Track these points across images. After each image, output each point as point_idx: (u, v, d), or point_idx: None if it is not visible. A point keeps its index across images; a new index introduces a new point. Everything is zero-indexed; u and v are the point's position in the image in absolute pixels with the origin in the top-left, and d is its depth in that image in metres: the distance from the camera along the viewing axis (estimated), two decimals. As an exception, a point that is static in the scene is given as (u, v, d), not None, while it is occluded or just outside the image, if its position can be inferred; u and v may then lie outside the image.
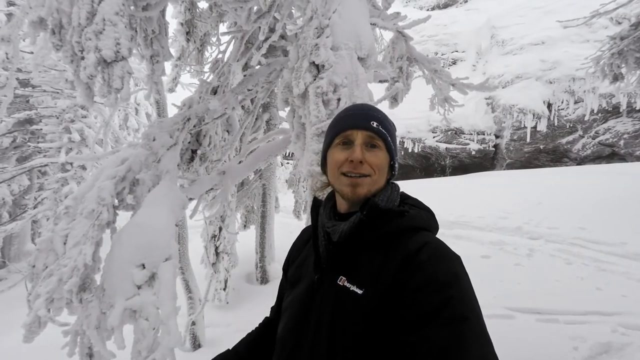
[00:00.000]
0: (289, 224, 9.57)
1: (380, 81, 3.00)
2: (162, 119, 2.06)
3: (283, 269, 0.94)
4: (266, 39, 2.09)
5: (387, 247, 0.67)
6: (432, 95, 3.64)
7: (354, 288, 0.66)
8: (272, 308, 0.99)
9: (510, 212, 7.29)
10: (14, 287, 8.09)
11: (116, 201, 1.83)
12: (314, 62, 1.27)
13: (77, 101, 8.03)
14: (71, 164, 8.26)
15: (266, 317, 0.99)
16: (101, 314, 1.63)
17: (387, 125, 0.77)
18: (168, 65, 7.11)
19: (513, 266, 5.12)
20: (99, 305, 1.61)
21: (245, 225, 7.72)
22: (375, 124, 0.75)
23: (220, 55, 4.65)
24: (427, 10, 19.30)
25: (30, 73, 7.75)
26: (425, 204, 0.79)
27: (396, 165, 0.80)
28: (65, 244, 1.78)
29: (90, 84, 1.53)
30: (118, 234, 1.65)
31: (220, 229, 6.33)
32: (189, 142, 2.71)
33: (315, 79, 1.26)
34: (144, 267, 1.56)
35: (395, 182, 0.82)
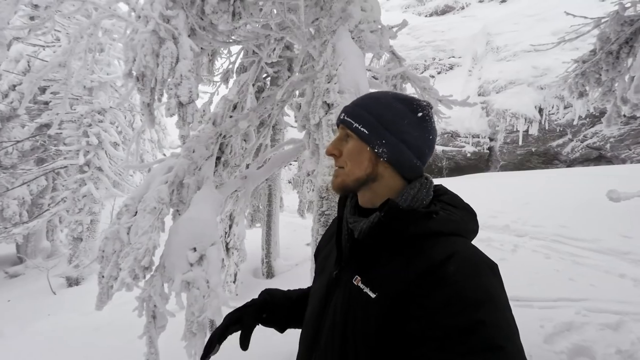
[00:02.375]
0: (292, 223, 10.08)
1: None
2: (199, 134, 2.57)
3: (314, 256, 0.95)
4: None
5: (408, 252, 0.61)
6: (422, 109, 4.16)
7: (367, 290, 0.63)
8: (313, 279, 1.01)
9: (500, 211, 7.79)
10: (34, 281, 8.59)
11: (170, 200, 2.34)
12: (325, 102, 1.78)
13: (94, 107, 8.53)
14: (88, 165, 8.76)
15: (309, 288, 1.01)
16: (162, 285, 2.15)
17: (358, 113, 0.71)
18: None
19: (498, 260, 5.49)
20: (161, 279, 2.13)
21: (251, 223, 8.19)
22: (342, 116, 0.74)
23: (230, 66, 5.17)
24: (426, 16, 19.86)
25: (50, 81, 8.24)
26: (465, 202, 0.71)
27: (380, 150, 0.69)
28: (128, 233, 2.29)
29: (152, 111, 2.05)
30: (175, 225, 2.17)
31: (231, 226, 6.85)
32: (214, 151, 3.21)
33: (326, 114, 1.77)
34: (195, 250, 2.08)
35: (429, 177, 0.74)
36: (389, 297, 0.59)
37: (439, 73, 16.50)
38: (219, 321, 2.04)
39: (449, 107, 3.80)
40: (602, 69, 3.53)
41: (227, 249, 6.68)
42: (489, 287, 0.54)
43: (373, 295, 0.61)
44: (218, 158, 3.29)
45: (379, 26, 2.09)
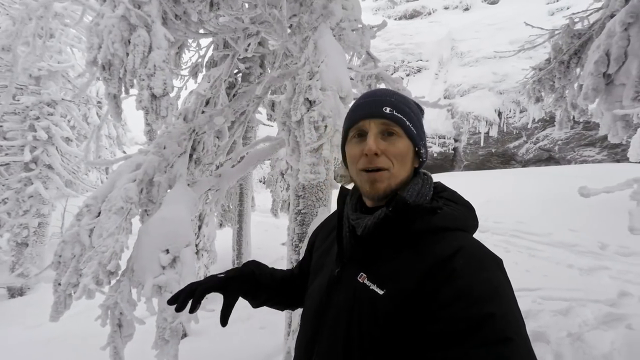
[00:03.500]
0: (264, 222, 9.93)
1: (354, 98, 3.55)
2: (169, 130, 2.43)
3: (307, 249, 0.93)
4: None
5: (415, 247, 0.61)
6: (396, 109, 4.26)
7: (374, 287, 0.61)
8: (296, 266, 0.98)
9: (464, 209, 8.24)
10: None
11: (138, 199, 2.18)
12: (307, 98, 1.75)
13: (43, 98, 7.77)
14: (35, 162, 7.98)
15: (292, 271, 0.97)
16: (130, 290, 2.01)
17: (403, 109, 0.68)
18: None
19: None
20: (129, 284, 1.98)
21: (221, 224, 7.95)
22: (387, 110, 0.67)
23: (199, 60, 4.96)
24: (395, 19, 20.45)
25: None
26: (464, 198, 0.72)
27: (422, 151, 0.71)
28: (90, 236, 2.11)
29: (119, 104, 1.90)
30: (145, 225, 2.03)
31: (200, 227, 6.59)
32: (185, 148, 3.06)
33: (308, 111, 1.75)
34: (168, 252, 1.96)
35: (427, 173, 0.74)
36: (398, 293, 0.58)
37: (407, 75, 17.08)
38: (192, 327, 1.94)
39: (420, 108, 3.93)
40: (555, 77, 3.85)
41: (197, 251, 6.43)
42: (496, 280, 0.55)
43: (381, 292, 0.60)
44: (190, 155, 3.14)
45: (360, 25, 2.10)
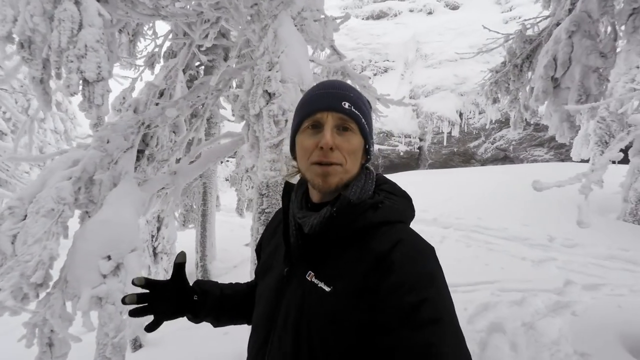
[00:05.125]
0: (229, 222, 9.58)
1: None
2: (114, 122, 2.19)
3: (256, 251, 0.91)
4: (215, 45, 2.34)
5: (359, 243, 0.63)
6: (362, 107, 4.23)
7: (321, 285, 0.63)
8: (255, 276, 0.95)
9: (430, 205, 8.52)
10: None
11: (73, 200, 1.93)
12: (266, 90, 1.63)
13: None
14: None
15: (253, 281, 0.95)
16: (64, 304, 1.77)
17: (360, 105, 0.69)
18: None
19: None
20: (62, 296, 1.75)
21: (184, 225, 7.54)
22: (347, 105, 0.67)
23: (157, 49, 4.61)
24: (362, 19, 20.72)
25: None
26: (403, 190, 0.74)
27: (371, 148, 0.73)
28: (13, 243, 1.83)
29: (48, 90, 1.66)
30: (81, 229, 1.80)
31: (159, 228, 6.17)
32: (136, 143, 2.80)
33: (267, 104, 1.63)
34: (110, 259, 1.75)
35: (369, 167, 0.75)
36: (345, 289, 0.60)
37: (375, 75, 17.39)
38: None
39: (386, 105, 3.95)
40: (510, 79, 4.04)
41: (155, 254, 6.03)
42: (429, 268, 0.59)
43: (328, 289, 0.62)
44: (141, 151, 2.87)
45: (323, 16, 2.01)
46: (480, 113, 13.98)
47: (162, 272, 6.09)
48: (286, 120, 1.64)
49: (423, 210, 8.27)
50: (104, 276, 1.73)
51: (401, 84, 16.74)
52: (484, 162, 14.60)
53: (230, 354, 3.60)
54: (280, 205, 0.79)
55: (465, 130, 14.46)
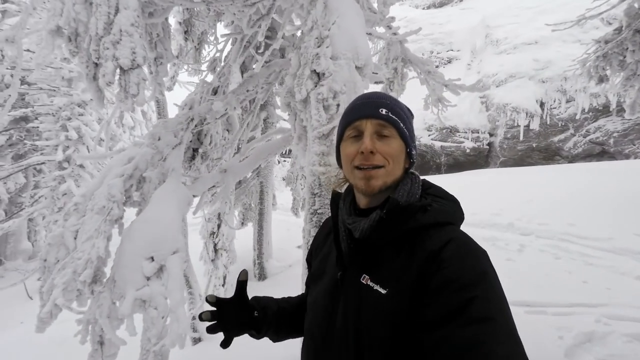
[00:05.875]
0: (286, 221, 9.68)
1: (376, 82, 3.11)
2: (166, 119, 2.15)
3: (307, 261, 0.93)
4: (267, 43, 2.18)
5: (410, 245, 0.64)
6: (426, 96, 3.74)
7: (377, 287, 0.64)
8: (305, 285, 0.96)
9: (503, 209, 7.46)
10: (12, 285, 8.10)
11: (124, 198, 1.92)
12: (315, 70, 1.36)
13: (74, 99, 8.02)
14: (68, 161, 8.26)
15: (304, 293, 0.97)
16: (112, 304, 1.73)
17: (397, 111, 0.72)
18: (166, 64, 7.15)
19: (504, 261, 5.28)
20: (110, 296, 1.70)
21: (242, 223, 7.80)
22: (384, 111, 0.70)
23: (218, 54, 4.71)
24: (423, 9, 19.42)
25: (27, 71, 7.72)
26: (450, 193, 0.75)
27: (414, 152, 0.75)
28: (75, 238, 1.86)
29: (102, 88, 1.62)
30: (128, 229, 1.75)
31: (219, 226, 6.43)
32: (190, 141, 2.80)
33: (316, 86, 1.36)
34: (153, 260, 1.66)
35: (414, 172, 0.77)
36: (400, 290, 0.62)
37: (437, 67, 16.10)
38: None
39: (455, 92, 3.40)
40: (627, 50, 3.15)
41: (216, 250, 6.29)
42: (482, 266, 0.59)
43: (384, 292, 0.63)
44: (196, 150, 2.87)
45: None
46: (567, 101, 11.90)
47: (222, 267, 6.31)
48: (338, 105, 1.36)
49: (495, 213, 7.26)
50: (148, 278, 1.64)
51: (467, 74, 15.21)
52: (572, 159, 12.41)
53: (284, 356, 3.47)
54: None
55: (548, 122, 12.44)
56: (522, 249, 5.69)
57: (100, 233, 1.63)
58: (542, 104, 12.40)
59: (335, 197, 0.80)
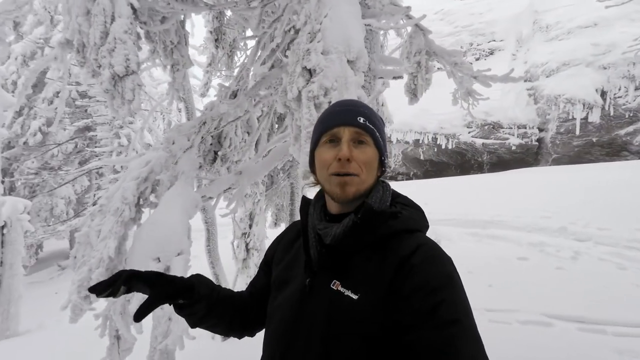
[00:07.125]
0: (317, 223, 9.69)
1: (394, 78, 2.95)
2: (181, 124, 2.23)
3: (266, 263, 0.88)
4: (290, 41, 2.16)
5: (381, 251, 0.66)
6: (455, 90, 3.49)
7: (348, 292, 0.64)
8: (247, 288, 0.92)
9: (554, 211, 6.73)
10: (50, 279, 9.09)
11: (140, 200, 2.01)
12: (306, 67, 1.30)
13: (123, 109, 8.82)
14: (121, 166, 9.09)
15: (244, 291, 0.92)
16: (126, 301, 1.81)
17: (374, 120, 0.74)
18: (199, 72, 7.54)
19: (554, 270, 4.74)
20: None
21: (275, 223, 7.97)
22: (362, 120, 0.72)
23: (246, 60, 4.84)
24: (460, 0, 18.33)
25: (89, 85, 8.64)
26: (415, 202, 0.77)
27: (386, 161, 0.77)
28: (98, 237, 1.98)
29: (115, 95, 1.70)
30: (139, 230, 1.82)
31: (251, 226, 6.63)
32: (211, 144, 2.87)
33: (307, 83, 1.30)
34: (159, 261, 1.71)
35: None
36: (372, 295, 0.63)
37: (477, 59, 15.11)
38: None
39: (486, 85, 3.11)
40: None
41: (247, 250, 6.49)
42: (447, 272, 0.62)
43: (355, 297, 0.64)
44: (216, 152, 2.94)
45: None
46: (636, 89, 10.41)
47: (253, 267, 6.48)
48: (329, 102, 1.28)
49: (544, 216, 6.58)
50: (155, 278, 1.69)
51: (512, 65, 14.01)
52: (643, 154, 10.84)
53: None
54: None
55: (612, 114, 10.99)
56: (576, 256, 5.08)
57: (112, 233, 1.72)
58: (603, 93, 10.99)
59: (305, 203, 0.80)
